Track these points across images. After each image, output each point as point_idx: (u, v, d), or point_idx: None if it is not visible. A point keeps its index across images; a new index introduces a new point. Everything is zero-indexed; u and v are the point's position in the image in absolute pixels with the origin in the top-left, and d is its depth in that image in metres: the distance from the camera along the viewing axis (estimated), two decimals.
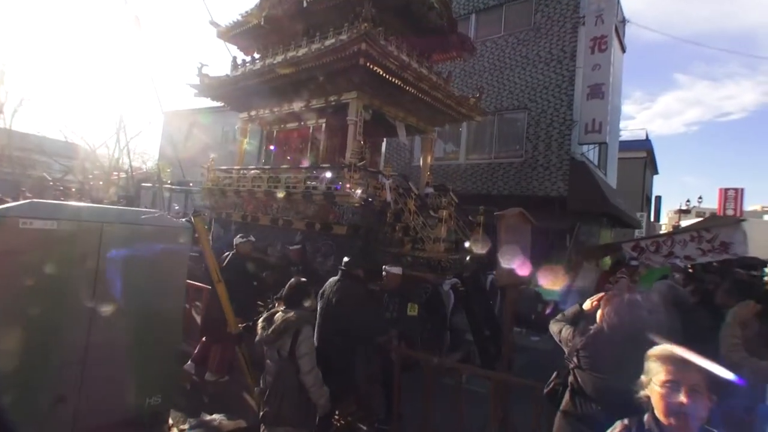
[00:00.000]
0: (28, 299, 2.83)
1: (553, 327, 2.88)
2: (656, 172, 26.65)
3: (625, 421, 1.57)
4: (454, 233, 6.48)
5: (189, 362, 4.93)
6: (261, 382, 2.99)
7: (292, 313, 2.85)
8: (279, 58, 7.24)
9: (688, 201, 26.03)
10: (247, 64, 8.13)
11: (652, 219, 23.99)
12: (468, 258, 6.00)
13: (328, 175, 6.49)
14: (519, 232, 4.01)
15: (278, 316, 2.87)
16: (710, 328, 3.15)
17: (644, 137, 22.83)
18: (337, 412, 3.83)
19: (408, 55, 6.96)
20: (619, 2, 13.33)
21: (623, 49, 15.50)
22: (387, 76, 6.20)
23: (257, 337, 2.94)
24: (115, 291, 3.20)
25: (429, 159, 8.92)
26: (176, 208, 16.01)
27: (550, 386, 2.75)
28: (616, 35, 13.07)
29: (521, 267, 3.86)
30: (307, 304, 3.09)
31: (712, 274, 6.77)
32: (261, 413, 2.88)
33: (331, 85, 6.82)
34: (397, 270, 4.46)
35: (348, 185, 6.01)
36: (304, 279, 3.23)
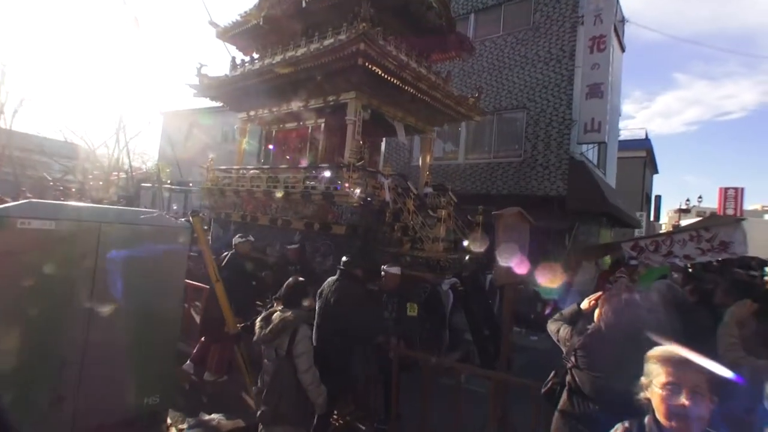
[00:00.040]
0: (26, 299, 2.84)
1: (551, 326, 2.88)
2: (656, 172, 26.66)
3: (626, 423, 1.55)
4: (453, 233, 6.49)
5: (188, 362, 4.94)
6: (259, 381, 3.00)
7: (289, 313, 2.85)
8: (278, 58, 7.24)
9: (687, 200, 26.10)
10: (246, 64, 8.13)
11: (651, 218, 23.99)
12: (467, 258, 6.00)
13: (327, 174, 6.50)
14: (517, 232, 4.01)
15: (276, 315, 2.88)
16: (709, 327, 3.16)
17: (644, 136, 22.83)
18: (335, 412, 3.84)
19: (407, 54, 6.96)
20: (618, 2, 13.33)
21: (622, 49, 15.50)
22: (386, 76, 6.20)
23: (255, 337, 2.95)
24: (114, 291, 3.21)
25: (428, 159, 8.92)
26: (174, 207, 16.00)
27: (548, 386, 2.76)
28: (615, 35, 13.07)
29: (519, 266, 3.87)
30: (305, 303, 3.10)
31: (712, 274, 6.78)
32: (258, 412, 2.88)
33: (330, 85, 6.82)
34: (395, 270, 4.46)
35: (347, 185, 6.01)
36: (301, 279, 3.24)
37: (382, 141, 9.69)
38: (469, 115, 8.35)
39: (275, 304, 3.13)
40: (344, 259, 4.02)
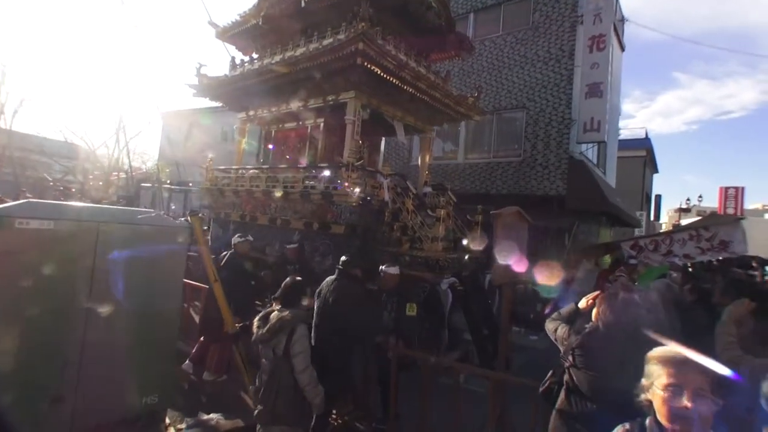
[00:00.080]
0: (24, 299, 2.83)
1: (549, 325, 2.88)
2: (656, 171, 26.64)
3: (626, 425, 1.52)
4: (452, 232, 6.49)
5: (187, 362, 4.94)
6: (256, 380, 3.00)
7: (287, 312, 2.86)
8: (277, 58, 7.23)
9: (688, 200, 26.09)
10: (246, 64, 8.13)
11: (651, 218, 23.99)
12: (466, 257, 6.00)
13: (326, 174, 6.50)
14: (515, 231, 4.01)
15: (274, 315, 2.88)
16: (706, 326, 3.16)
17: (644, 136, 22.82)
18: (334, 411, 3.84)
19: (406, 54, 6.96)
20: (617, 1, 13.33)
21: (622, 48, 15.50)
22: (385, 76, 6.20)
23: (253, 336, 2.95)
24: (112, 291, 3.20)
25: (427, 158, 8.92)
26: (173, 207, 16.02)
27: (546, 385, 2.76)
28: (615, 34, 13.06)
29: (517, 265, 3.87)
30: (303, 303, 3.10)
31: (712, 273, 6.78)
32: (255, 412, 2.89)
33: (329, 85, 6.83)
34: (394, 270, 4.46)
35: (346, 184, 6.01)
36: (299, 278, 3.24)
37: (381, 140, 9.68)
38: (468, 115, 8.35)
39: (273, 304, 3.13)
40: (343, 258, 4.02)
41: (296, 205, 6.93)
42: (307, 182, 6.81)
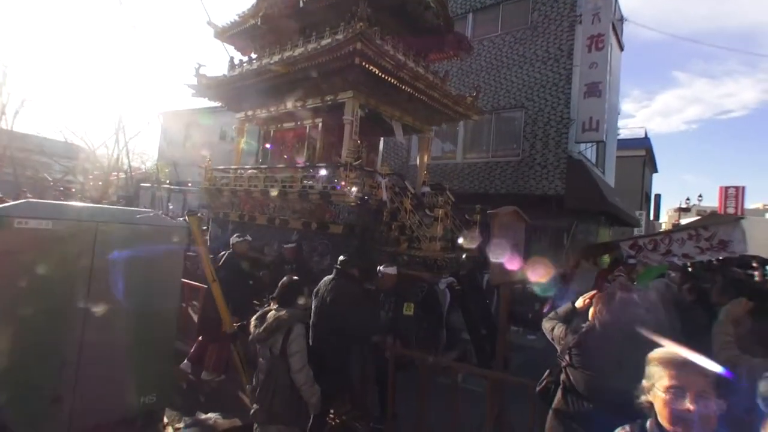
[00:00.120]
0: (23, 299, 2.83)
1: (546, 325, 2.89)
2: (655, 171, 26.64)
3: (626, 427, 1.50)
4: (450, 232, 6.49)
5: (185, 361, 4.94)
6: (254, 379, 3.01)
7: (284, 312, 2.86)
8: (275, 58, 7.24)
9: (687, 199, 26.11)
10: (244, 64, 8.13)
11: (651, 217, 23.99)
12: (464, 257, 6.01)
13: (325, 174, 6.50)
14: (513, 231, 4.02)
15: (271, 314, 2.89)
16: (706, 326, 3.15)
17: (643, 135, 22.83)
18: (331, 411, 3.84)
19: (404, 54, 6.96)
20: (616, 1, 13.33)
21: (621, 48, 15.50)
22: (383, 76, 6.21)
23: (250, 336, 2.96)
24: (110, 290, 3.20)
25: (426, 158, 8.93)
26: (171, 207, 16.02)
27: (543, 384, 2.76)
28: (614, 33, 13.06)
29: (514, 264, 3.87)
30: (300, 302, 3.10)
31: (712, 272, 6.77)
32: (252, 411, 2.89)
33: (327, 85, 6.83)
34: (392, 270, 4.46)
35: (344, 183, 6.02)
36: (296, 277, 3.24)
37: (380, 140, 9.68)
38: (467, 115, 8.35)
39: (271, 303, 3.14)
40: (341, 258, 4.02)
41: (294, 205, 6.93)
42: (305, 182, 6.81)
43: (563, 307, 2.95)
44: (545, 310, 6.24)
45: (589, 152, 12.07)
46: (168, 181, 19.08)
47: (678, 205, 28.03)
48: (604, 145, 13.17)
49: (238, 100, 8.63)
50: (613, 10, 11.90)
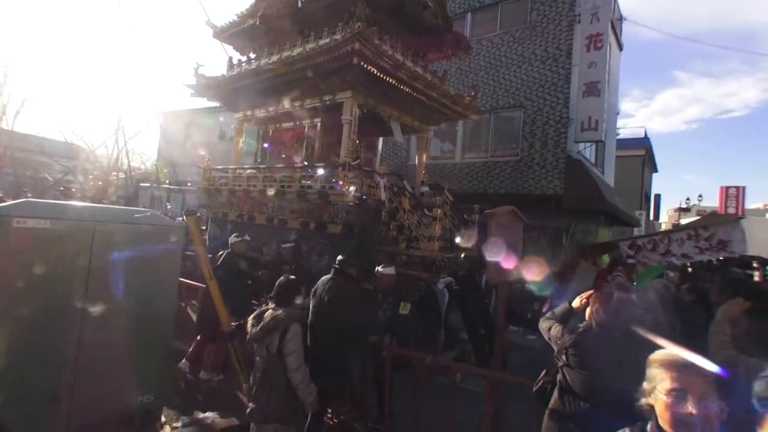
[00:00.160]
0: (21, 298, 2.83)
1: (543, 324, 2.89)
2: (655, 170, 26.64)
3: (626, 430, 1.48)
4: (449, 232, 6.49)
5: (183, 360, 4.95)
6: (251, 378, 3.01)
7: (281, 311, 2.87)
8: (274, 58, 7.24)
9: (687, 199, 26.09)
10: (243, 64, 8.14)
11: (651, 217, 23.99)
12: (463, 256, 6.01)
13: (323, 173, 6.50)
14: (510, 230, 4.02)
15: (268, 313, 2.89)
16: (705, 326, 3.15)
17: (643, 135, 22.84)
18: (329, 411, 3.84)
19: (402, 54, 6.96)
20: (615, 0, 13.33)
21: (620, 47, 15.50)
22: (381, 75, 6.21)
23: (248, 335, 2.96)
24: (108, 290, 3.20)
25: (424, 158, 8.92)
26: (169, 206, 16.03)
27: (539, 384, 2.76)
28: (613, 33, 13.07)
29: (511, 264, 3.87)
30: (298, 302, 3.11)
31: (712, 272, 6.77)
32: (248, 410, 2.89)
33: (326, 85, 6.83)
34: (390, 271, 4.46)
35: (342, 183, 6.02)
36: (293, 277, 3.25)
37: (378, 140, 9.68)
38: (465, 114, 8.35)
39: (269, 303, 3.14)
40: (339, 257, 4.02)
41: (293, 205, 6.93)
42: (303, 182, 6.81)
43: (560, 307, 2.95)
44: (544, 310, 6.26)
45: (588, 152, 12.07)
46: (167, 181, 19.08)
47: (678, 205, 28.01)
48: (603, 145, 13.18)
49: (236, 100, 8.63)
50: (612, 10, 11.90)
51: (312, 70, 6.45)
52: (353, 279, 3.98)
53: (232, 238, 5.52)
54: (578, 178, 10.58)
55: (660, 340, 1.82)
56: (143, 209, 4.16)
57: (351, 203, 6.02)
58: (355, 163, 6.22)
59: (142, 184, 20.01)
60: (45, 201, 3.80)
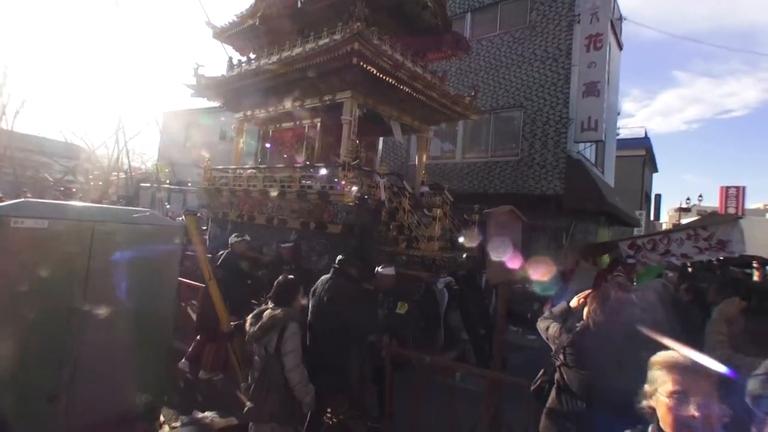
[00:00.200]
0: (19, 298, 2.83)
1: (541, 324, 2.90)
2: (656, 170, 26.63)
3: None
4: (449, 232, 6.50)
5: (183, 360, 4.96)
6: (249, 378, 3.02)
7: (279, 310, 2.87)
8: (274, 58, 7.25)
9: (688, 199, 26.10)
10: (243, 65, 8.14)
11: (651, 217, 23.97)
12: (463, 256, 6.02)
13: (323, 173, 6.51)
14: (509, 230, 4.01)
15: (266, 313, 2.90)
16: (701, 325, 3.16)
17: (643, 135, 22.82)
18: (329, 411, 3.84)
19: (402, 54, 6.96)
20: (615, 0, 13.33)
21: (620, 47, 15.50)
22: (381, 76, 6.21)
23: (246, 334, 2.97)
24: (107, 290, 3.21)
25: (424, 158, 8.92)
26: (168, 207, 16.03)
27: (537, 384, 2.77)
28: (613, 33, 13.07)
29: (511, 264, 3.87)
30: (296, 301, 3.11)
31: (712, 272, 6.78)
32: (245, 409, 2.90)
33: (326, 85, 6.84)
34: (389, 271, 4.47)
35: (342, 183, 6.03)
36: (291, 276, 3.25)
37: (378, 140, 9.69)
38: (465, 114, 8.35)
39: (268, 303, 3.15)
40: (339, 257, 4.03)
41: (293, 205, 6.94)
42: (303, 182, 6.81)
43: (558, 307, 2.96)
44: (544, 310, 6.26)
45: (588, 152, 12.07)
46: (168, 181, 19.09)
47: (678, 205, 28.00)
48: (603, 145, 13.18)
49: (237, 100, 8.63)
50: (611, 10, 11.91)
51: (312, 70, 6.46)
52: (353, 279, 3.98)
53: (232, 238, 5.53)
54: (578, 178, 10.58)
55: (662, 341, 1.81)
56: (142, 209, 4.17)
57: (351, 203, 6.03)
58: (355, 163, 6.23)
59: (142, 185, 20.00)
60: (43, 201, 3.81)
